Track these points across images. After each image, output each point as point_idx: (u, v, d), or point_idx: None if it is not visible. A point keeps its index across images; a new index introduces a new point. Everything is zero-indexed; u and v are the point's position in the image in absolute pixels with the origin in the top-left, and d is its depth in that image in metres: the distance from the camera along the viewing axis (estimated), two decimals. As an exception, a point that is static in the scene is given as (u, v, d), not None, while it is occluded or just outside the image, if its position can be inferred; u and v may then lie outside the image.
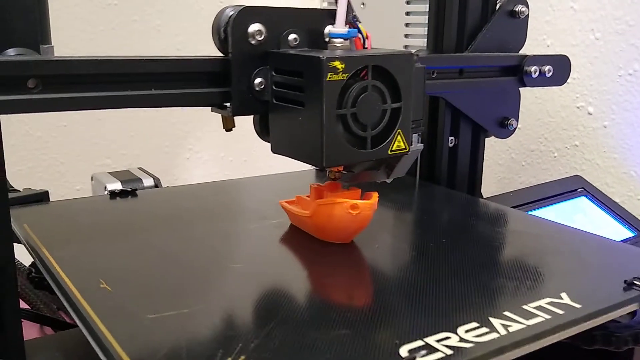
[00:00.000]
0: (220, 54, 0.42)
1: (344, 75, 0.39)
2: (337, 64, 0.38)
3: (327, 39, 0.43)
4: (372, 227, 0.47)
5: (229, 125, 0.45)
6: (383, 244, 0.48)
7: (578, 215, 0.66)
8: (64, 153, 0.95)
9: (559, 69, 0.62)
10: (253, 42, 0.42)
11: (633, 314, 0.39)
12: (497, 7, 0.60)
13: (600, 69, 0.78)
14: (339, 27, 0.42)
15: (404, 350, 0.30)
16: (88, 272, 0.40)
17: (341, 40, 0.42)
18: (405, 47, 0.64)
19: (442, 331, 0.32)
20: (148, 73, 0.40)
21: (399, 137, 0.43)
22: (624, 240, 0.63)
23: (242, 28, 0.41)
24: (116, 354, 0.30)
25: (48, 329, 0.56)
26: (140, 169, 0.77)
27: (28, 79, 0.36)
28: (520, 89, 0.62)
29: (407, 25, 0.64)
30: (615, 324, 0.39)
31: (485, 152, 0.65)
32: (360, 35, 0.43)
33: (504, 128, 0.64)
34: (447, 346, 0.30)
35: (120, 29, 0.96)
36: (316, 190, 0.47)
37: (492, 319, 0.33)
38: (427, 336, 0.31)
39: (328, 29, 0.43)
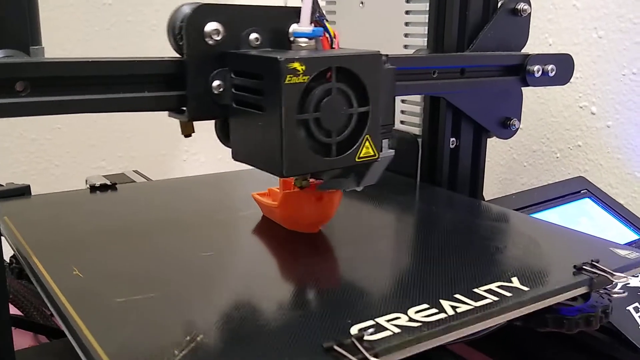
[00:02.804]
0: (177, 55, 0.40)
1: (304, 77, 0.36)
2: (296, 65, 0.36)
3: (291, 39, 0.41)
4: (347, 222, 0.50)
5: (187, 131, 0.42)
6: (351, 235, 0.49)
7: (582, 217, 0.65)
8: (58, 155, 0.94)
9: (562, 68, 0.60)
10: (210, 42, 0.39)
11: (587, 298, 0.40)
12: (499, 5, 0.59)
13: (603, 68, 0.77)
14: (304, 25, 0.40)
15: (354, 329, 0.32)
16: (62, 260, 0.41)
17: (306, 40, 0.40)
18: (405, 46, 0.63)
19: (394, 312, 0.34)
20: (100, 76, 0.37)
21: (367, 144, 0.40)
22: (629, 243, 0.62)
23: (198, 27, 0.39)
24: (80, 332, 0.32)
25: (42, 337, 0.55)
26: (135, 171, 0.76)
27: (16, 81, 0.35)
28: (523, 88, 0.61)
29: (406, 24, 0.62)
30: (568, 308, 0.40)
31: (486, 152, 0.64)
32: (327, 35, 0.40)
33: (506, 128, 0.63)
34: (396, 325, 0.32)
35: (115, 29, 0.95)
36: (284, 182, 0.48)
37: (442, 301, 0.35)
38: (378, 316, 0.33)
39: (292, 27, 0.41)
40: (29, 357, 0.43)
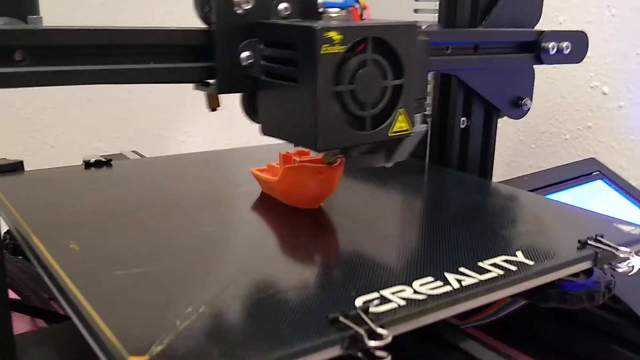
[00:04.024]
0: (204, 26, 0.39)
1: (340, 47, 0.35)
2: (333, 34, 0.35)
3: (321, 9, 0.40)
4: (350, 199, 0.50)
5: (213, 105, 0.42)
6: (354, 212, 0.48)
7: (594, 199, 0.63)
8: (53, 136, 0.92)
9: (576, 46, 0.59)
10: (239, 11, 0.38)
11: (590, 274, 0.40)
12: (513, -21, 0.57)
13: (616, 47, 0.75)
14: None
15: (359, 301, 0.31)
16: (59, 235, 0.40)
17: (337, 10, 0.39)
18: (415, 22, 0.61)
19: (398, 284, 0.33)
20: (123, 45, 0.36)
21: (400, 117, 0.39)
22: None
23: None
24: (81, 306, 0.31)
25: (40, 321, 0.54)
26: (134, 152, 0.74)
27: (14, 50, 0.33)
28: (535, 67, 0.59)
29: (416, -1, 0.61)
30: (571, 283, 0.40)
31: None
32: (357, 5, 0.39)
33: (517, 108, 0.61)
34: (401, 297, 0.32)
35: (112, 2, 0.92)
36: (285, 157, 0.48)
37: (447, 274, 0.35)
38: (382, 289, 0.33)
39: None
40: (28, 341, 0.41)
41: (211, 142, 1.04)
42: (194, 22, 0.39)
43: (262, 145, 0.65)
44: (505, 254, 0.38)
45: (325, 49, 0.35)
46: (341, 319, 0.29)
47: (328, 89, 0.35)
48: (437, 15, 0.59)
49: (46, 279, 0.36)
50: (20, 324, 0.53)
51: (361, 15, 0.39)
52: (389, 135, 0.39)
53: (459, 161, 0.61)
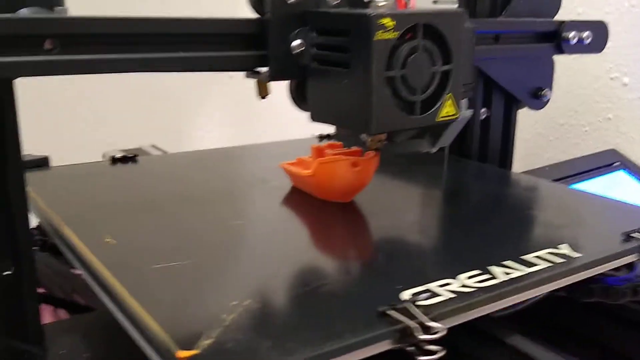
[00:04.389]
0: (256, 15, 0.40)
1: (393, 33, 0.36)
2: (386, 21, 0.36)
3: None
4: (382, 193, 0.49)
5: (263, 93, 0.42)
6: (385, 205, 0.48)
7: (616, 189, 0.63)
8: (70, 132, 0.92)
9: (597, 36, 0.59)
10: (291, 1, 0.39)
11: (631, 268, 0.39)
12: (533, -31, 0.57)
13: (636, 38, 0.74)
14: None
15: (406, 295, 0.31)
16: (92, 230, 0.40)
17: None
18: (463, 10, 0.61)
19: (444, 278, 0.32)
20: (177, 34, 0.37)
21: (449, 102, 0.40)
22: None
23: None
24: (123, 298, 0.31)
25: (62, 311, 0.54)
26: (153, 146, 0.75)
27: (45, 38, 0.33)
28: (555, 57, 0.59)
29: (435, -11, 0.60)
30: (613, 277, 0.39)
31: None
32: None
33: (537, 99, 0.61)
34: (449, 290, 0.31)
35: None
36: (317, 150, 0.48)
37: (492, 267, 0.34)
38: (428, 282, 0.32)
39: None
40: (56, 330, 0.42)
41: (227, 137, 1.04)
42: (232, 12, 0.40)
43: (287, 141, 0.65)
44: (549, 247, 0.37)
45: (379, 35, 0.36)
46: (391, 312, 0.28)
47: (381, 74, 0.36)
48: (456, 5, 0.59)
49: (85, 273, 0.36)
50: (44, 315, 0.53)
51: (406, 4, 0.40)
52: (437, 119, 0.40)
53: (479, 152, 0.61)
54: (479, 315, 0.31)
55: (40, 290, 0.56)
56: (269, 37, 0.39)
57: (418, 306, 0.29)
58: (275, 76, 0.40)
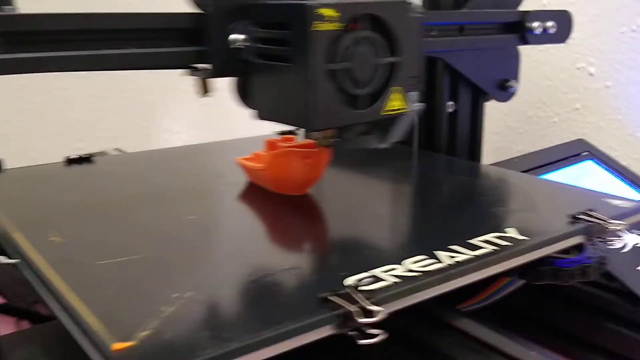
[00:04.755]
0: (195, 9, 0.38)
1: (333, 24, 0.35)
2: (325, 11, 0.34)
3: None
4: (337, 185, 0.49)
5: (205, 90, 0.41)
6: (341, 196, 0.48)
7: (585, 179, 0.63)
8: (34, 138, 0.90)
9: (561, 25, 0.58)
10: None
11: (581, 250, 0.40)
12: (495, -41, 0.57)
13: (601, 27, 0.74)
14: None
15: (349, 281, 0.30)
16: (40, 228, 0.39)
17: None
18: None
19: (389, 264, 0.32)
20: (116, 29, 0.36)
21: (396, 95, 0.39)
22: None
23: None
24: (61, 293, 0.30)
25: (25, 322, 0.53)
26: (117, 149, 0.73)
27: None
28: (520, 48, 0.59)
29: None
30: (563, 259, 0.39)
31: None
32: None
33: (504, 90, 0.61)
34: (393, 275, 0.31)
35: None
36: (270, 144, 0.47)
37: (438, 252, 0.34)
38: (373, 268, 0.32)
39: None
40: (13, 342, 0.40)
41: (195, 139, 1.03)
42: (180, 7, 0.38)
43: (247, 137, 0.64)
44: (496, 231, 0.37)
45: (318, 26, 0.34)
46: (332, 297, 0.28)
47: (321, 66, 0.35)
48: (419, -2, 0.58)
49: (27, 272, 0.35)
50: (7, 326, 0.52)
51: None
52: (384, 113, 0.39)
53: (447, 146, 0.61)
54: (423, 298, 0.31)
55: (2, 301, 0.54)
56: (210, 32, 0.37)
57: (361, 291, 0.29)
58: (217, 72, 0.39)
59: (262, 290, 0.31)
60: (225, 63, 0.38)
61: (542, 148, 0.69)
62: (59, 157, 0.63)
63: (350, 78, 0.36)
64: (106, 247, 0.37)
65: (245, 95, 0.40)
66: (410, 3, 0.39)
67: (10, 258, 0.37)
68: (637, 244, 0.49)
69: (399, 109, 0.39)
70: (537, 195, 0.46)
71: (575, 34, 0.60)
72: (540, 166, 0.61)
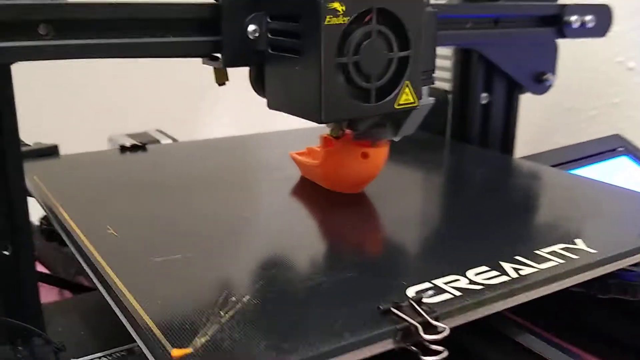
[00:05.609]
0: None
1: (345, 18, 0.35)
2: (336, 5, 0.34)
3: None
4: (387, 182, 0.47)
5: (221, 79, 0.41)
6: (396, 195, 0.46)
7: (619, 175, 0.62)
8: (79, 113, 0.93)
9: (600, 19, 0.58)
10: None
11: None
12: (535, -49, 0.56)
13: (642, 21, 0.73)
14: None
15: (411, 291, 0.30)
16: (96, 219, 0.40)
17: None
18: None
19: (451, 274, 0.31)
20: (130, 19, 0.36)
21: (407, 90, 0.39)
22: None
23: None
24: (120, 293, 0.30)
25: (67, 292, 0.55)
26: (159, 130, 0.75)
27: (39, 24, 0.34)
28: (558, 41, 0.58)
29: (436, -26, 0.60)
30: (632, 273, 0.38)
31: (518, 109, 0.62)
32: None
33: (540, 83, 0.60)
34: (455, 288, 0.30)
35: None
36: (326, 140, 0.45)
37: (503, 263, 0.33)
38: (435, 278, 0.31)
39: None
40: (55, 310, 0.42)
41: (235, 122, 1.04)
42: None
43: (299, 129, 0.64)
44: (563, 242, 0.36)
45: (329, 20, 0.34)
46: (393, 310, 0.27)
47: (331, 60, 0.35)
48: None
49: (85, 266, 0.35)
50: (51, 295, 0.54)
51: None
52: (395, 107, 0.38)
53: (480, 138, 0.61)
54: (487, 313, 0.30)
55: (46, 272, 0.57)
56: (223, 23, 0.37)
57: (422, 304, 0.28)
58: (230, 63, 0.39)
59: (320, 297, 0.30)
60: (239, 54, 0.39)
61: (579, 141, 0.69)
62: (101, 136, 0.65)
63: (361, 72, 0.37)
64: (161, 243, 0.37)
65: (259, 84, 0.41)
66: None
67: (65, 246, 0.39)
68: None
69: (409, 103, 0.39)
70: (603, 202, 0.44)
71: (616, 27, 0.59)
72: (572, 160, 0.61)
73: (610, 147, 0.65)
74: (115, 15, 0.36)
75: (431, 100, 0.42)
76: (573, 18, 0.56)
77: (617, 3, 0.73)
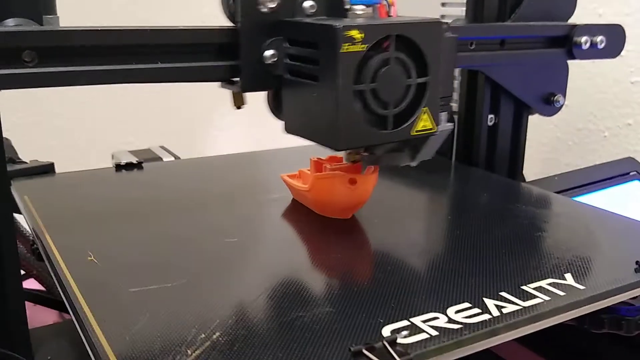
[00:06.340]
0: (230, 24, 0.39)
1: (362, 46, 0.35)
2: (354, 33, 0.34)
3: (347, 7, 0.39)
4: (382, 206, 0.46)
5: (238, 103, 0.41)
6: (388, 222, 0.46)
7: (631, 201, 0.60)
8: (85, 131, 0.93)
9: (612, 40, 0.56)
10: (264, 9, 0.38)
11: None
12: (544, -30, 0.55)
13: (657, 40, 0.71)
14: None
15: (386, 330, 0.29)
16: (78, 244, 0.39)
17: (363, 7, 0.38)
18: (442, 16, 0.59)
19: (431, 311, 0.31)
20: (150, 45, 0.37)
21: (424, 116, 0.38)
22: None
23: None
24: (89, 325, 0.30)
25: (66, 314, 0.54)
26: (162, 147, 0.74)
27: (23, 51, 0.33)
28: (568, 62, 0.56)
29: (444, -7, 0.59)
30: (627, 307, 0.36)
31: (528, 129, 0.60)
32: (384, 2, 0.38)
33: (549, 105, 0.59)
34: (432, 327, 0.29)
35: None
36: (316, 164, 0.46)
37: (486, 300, 0.32)
38: (413, 316, 0.30)
39: None
40: (44, 335, 0.42)
41: (244, 138, 1.04)
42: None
43: (297, 147, 0.64)
44: (551, 276, 0.35)
45: (346, 48, 0.34)
46: (365, 351, 0.27)
47: (349, 87, 0.35)
48: (464, 8, 0.57)
49: (62, 295, 0.35)
50: (51, 317, 0.54)
51: (388, 12, 0.39)
52: (412, 134, 0.38)
53: (486, 160, 0.60)
54: (465, 354, 0.29)
55: (46, 294, 0.56)
56: (241, 47, 0.38)
57: (396, 345, 0.27)
58: (247, 87, 0.39)
59: (293, 334, 0.29)
60: (257, 78, 0.39)
61: (591, 163, 0.67)
62: (107, 151, 0.65)
63: (379, 98, 0.36)
64: (141, 270, 0.36)
65: (277, 107, 0.41)
66: (442, 22, 0.38)
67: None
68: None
69: (427, 130, 0.39)
70: (600, 232, 0.43)
71: (630, 46, 0.57)
72: (582, 185, 0.59)
73: (623, 171, 0.63)
74: (133, 40, 0.36)
75: (450, 125, 0.41)
76: (583, 39, 0.54)
77: (633, 20, 0.71)
